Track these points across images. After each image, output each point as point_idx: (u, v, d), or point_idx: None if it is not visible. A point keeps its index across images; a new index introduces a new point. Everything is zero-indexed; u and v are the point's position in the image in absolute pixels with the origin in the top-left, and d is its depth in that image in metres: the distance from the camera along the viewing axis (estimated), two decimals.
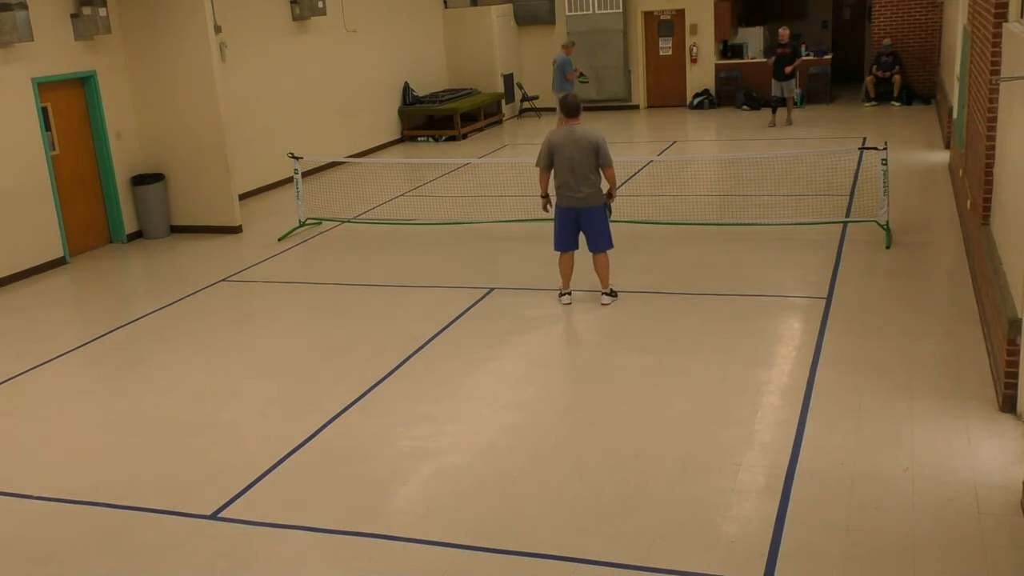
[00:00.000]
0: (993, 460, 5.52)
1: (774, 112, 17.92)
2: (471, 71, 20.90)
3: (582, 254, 8.77)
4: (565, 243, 8.64)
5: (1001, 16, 7.30)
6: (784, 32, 17.83)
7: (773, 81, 17.79)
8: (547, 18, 21.37)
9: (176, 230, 12.71)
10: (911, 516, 5.03)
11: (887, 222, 10.04)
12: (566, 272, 8.75)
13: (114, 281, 11.21)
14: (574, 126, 8.44)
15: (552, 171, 8.55)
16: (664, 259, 10.02)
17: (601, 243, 8.60)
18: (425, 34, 20.19)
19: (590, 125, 8.71)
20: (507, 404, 6.81)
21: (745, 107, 20.07)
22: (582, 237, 8.65)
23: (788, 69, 17.45)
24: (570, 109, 8.52)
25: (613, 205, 8.71)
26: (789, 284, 8.95)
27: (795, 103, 19.46)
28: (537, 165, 8.67)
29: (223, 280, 10.41)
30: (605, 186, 8.56)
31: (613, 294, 8.70)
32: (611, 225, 8.67)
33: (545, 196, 8.73)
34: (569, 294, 8.79)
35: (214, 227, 12.49)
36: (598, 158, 8.35)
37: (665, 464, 5.77)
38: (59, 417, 7.17)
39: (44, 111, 11.23)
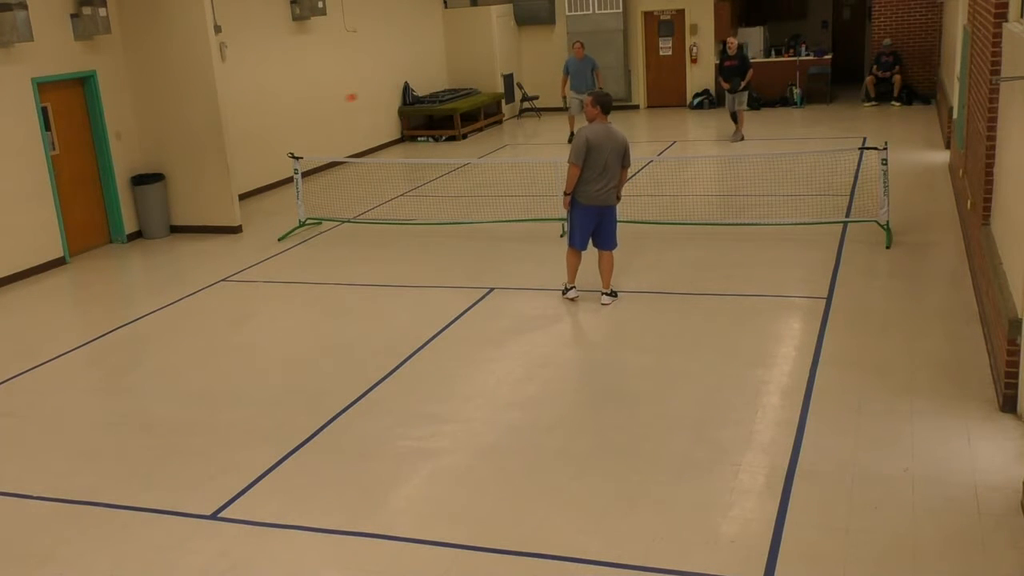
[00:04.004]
0: (993, 460, 5.52)
1: (735, 123, 16.80)
2: (471, 71, 20.91)
3: (587, 255, 8.80)
4: (584, 241, 8.66)
5: (1001, 16, 7.30)
6: (732, 42, 16.82)
7: (726, 94, 16.70)
8: (547, 18, 21.38)
9: (176, 230, 12.71)
10: (911, 516, 5.03)
11: (887, 222, 10.04)
12: (575, 267, 8.78)
13: (114, 281, 11.21)
14: (609, 125, 8.43)
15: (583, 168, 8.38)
16: (664, 259, 10.01)
17: (612, 242, 8.65)
18: (425, 34, 20.19)
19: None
20: (507, 404, 6.81)
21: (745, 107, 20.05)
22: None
23: (743, 84, 16.27)
24: (607, 106, 8.44)
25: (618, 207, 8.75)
26: (789, 284, 8.95)
27: (795, 103, 19.46)
28: (574, 162, 8.31)
29: (223, 280, 10.41)
30: None
31: (614, 294, 8.71)
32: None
33: (568, 193, 8.47)
34: (575, 288, 8.83)
35: (214, 227, 12.49)
36: (624, 159, 8.43)
37: (665, 464, 5.77)
38: (59, 417, 7.17)
39: (44, 111, 11.23)
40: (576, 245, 8.67)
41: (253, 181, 14.51)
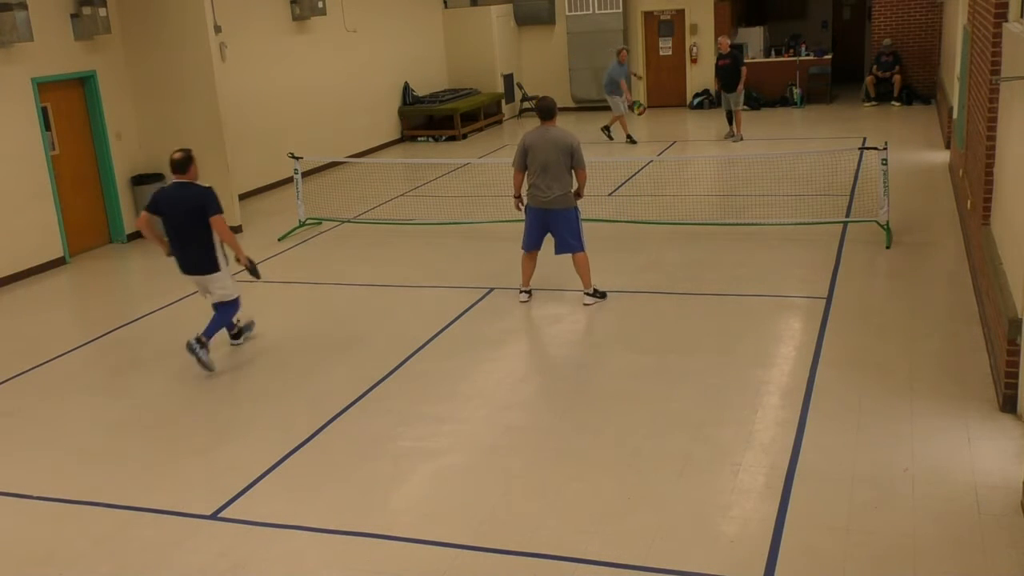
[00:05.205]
0: (993, 460, 5.52)
1: (730, 123, 16.72)
2: (471, 71, 20.91)
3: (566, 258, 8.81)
4: (529, 243, 8.73)
5: (1001, 16, 7.30)
6: (723, 41, 16.71)
7: (722, 93, 16.64)
8: (547, 18, 21.38)
9: None
10: (911, 516, 5.03)
11: (887, 222, 10.04)
12: (526, 271, 8.85)
13: (114, 281, 11.21)
14: (549, 127, 8.49)
15: (526, 171, 8.58)
16: (664, 259, 10.02)
17: (569, 246, 8.59)
18: (425, 34, 20.20)
19: (569, 127, 8.75)
20: (507, 404, 6.81)
21: (745, 107, 20.01)
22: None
23: (740, 87, 16.20)
24: (545, 112, 8.55)
25: (580, 203, 8.73)
26: (789, 284, 8.95)
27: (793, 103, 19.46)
28: (513, 166, 8.68)
29: None
30: (574, 186, 8.62)
31: (597, 294, 8.69)
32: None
33: (518, 196, 8.76)
34: (528, 292, 8.87)
35: None
36: (572, 160, 8.39)
37: (665, 464, 5.77)
38: (59, 417, 7.17)
39: (44, 111, 11.24)
40: (523, 245, 8.77)
41: (253, 181, 14.51)
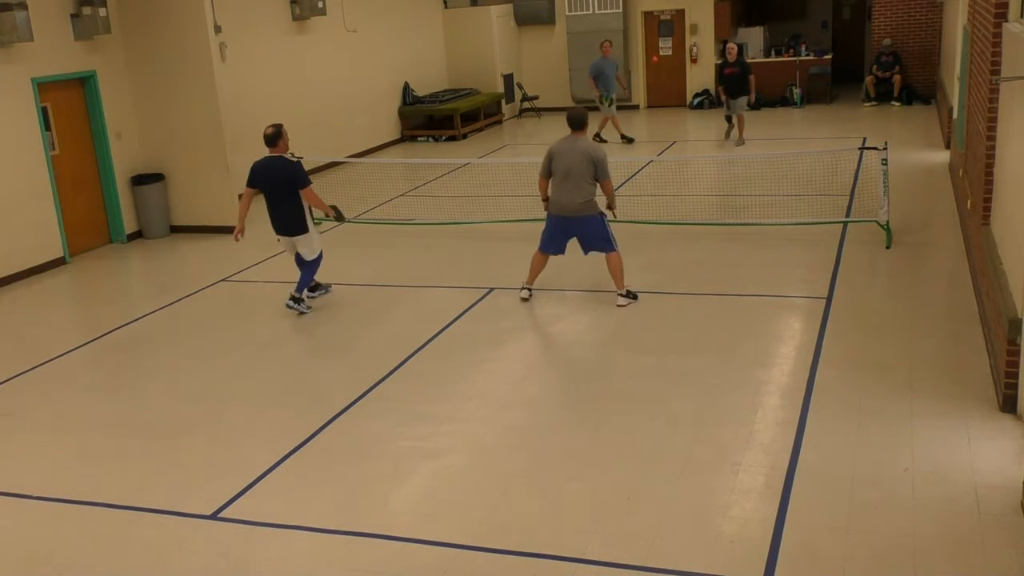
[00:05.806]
0: (993, 460, 5.52)
1: (729, 124, 16.41)
2: (471, 71, 20.91)
3: (586, 258, 8.79)
4: (548, 246, 8.78)
5: (1001, 16, 7.30)
6: (732, 48, 16.05)
7: (726, 99, 16.15)
8: (547, 18, 21.38)
9: (176, 230, 12.71)
10: (911, 516, 5.03)
11: (887, 222, 10.03)
12: (535, 268, 8.89)
13: (114, 281, 11.21)
14: (578, 137, 8.55)
15: (551, 179, 8.64)
16: (664, 259, 10.02)
17: (602, 247, 8.62)
18: (425, 34, 20.19)
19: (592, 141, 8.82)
20: (507, 404, 6.81)
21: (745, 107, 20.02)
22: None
23: (752, 99, 15.96)
24: (575, 122, 8.62)
25: (615, 212, 8.84)
26: (789, 284, 8.95)
27: (794, 103, 19.43)
28: (539, 174, 8.76)
29: (223, 280, 10.41)
30: (603, 200, 8.70)
31: (629, 295, 8.66)
32: (611, 225, 8.68)
33: (547, 200, 8.79)
34: (530, 290, 8.91)
35: (214, 227, 12.49)
36: (595, 170, 8.42)
37: (665, 464, 5.77)
38: (59, 417, 7.17)
39: (44, 111, 11.24)
40: (539, 247, 8.83)
41: None
